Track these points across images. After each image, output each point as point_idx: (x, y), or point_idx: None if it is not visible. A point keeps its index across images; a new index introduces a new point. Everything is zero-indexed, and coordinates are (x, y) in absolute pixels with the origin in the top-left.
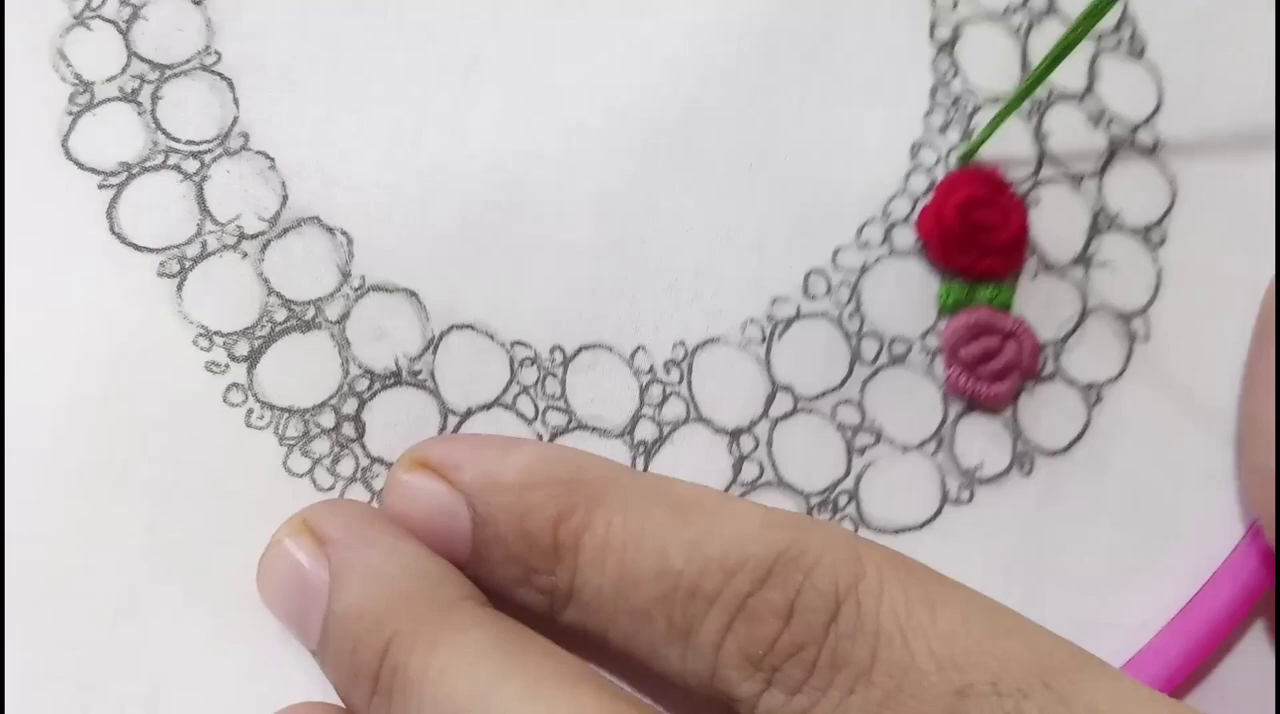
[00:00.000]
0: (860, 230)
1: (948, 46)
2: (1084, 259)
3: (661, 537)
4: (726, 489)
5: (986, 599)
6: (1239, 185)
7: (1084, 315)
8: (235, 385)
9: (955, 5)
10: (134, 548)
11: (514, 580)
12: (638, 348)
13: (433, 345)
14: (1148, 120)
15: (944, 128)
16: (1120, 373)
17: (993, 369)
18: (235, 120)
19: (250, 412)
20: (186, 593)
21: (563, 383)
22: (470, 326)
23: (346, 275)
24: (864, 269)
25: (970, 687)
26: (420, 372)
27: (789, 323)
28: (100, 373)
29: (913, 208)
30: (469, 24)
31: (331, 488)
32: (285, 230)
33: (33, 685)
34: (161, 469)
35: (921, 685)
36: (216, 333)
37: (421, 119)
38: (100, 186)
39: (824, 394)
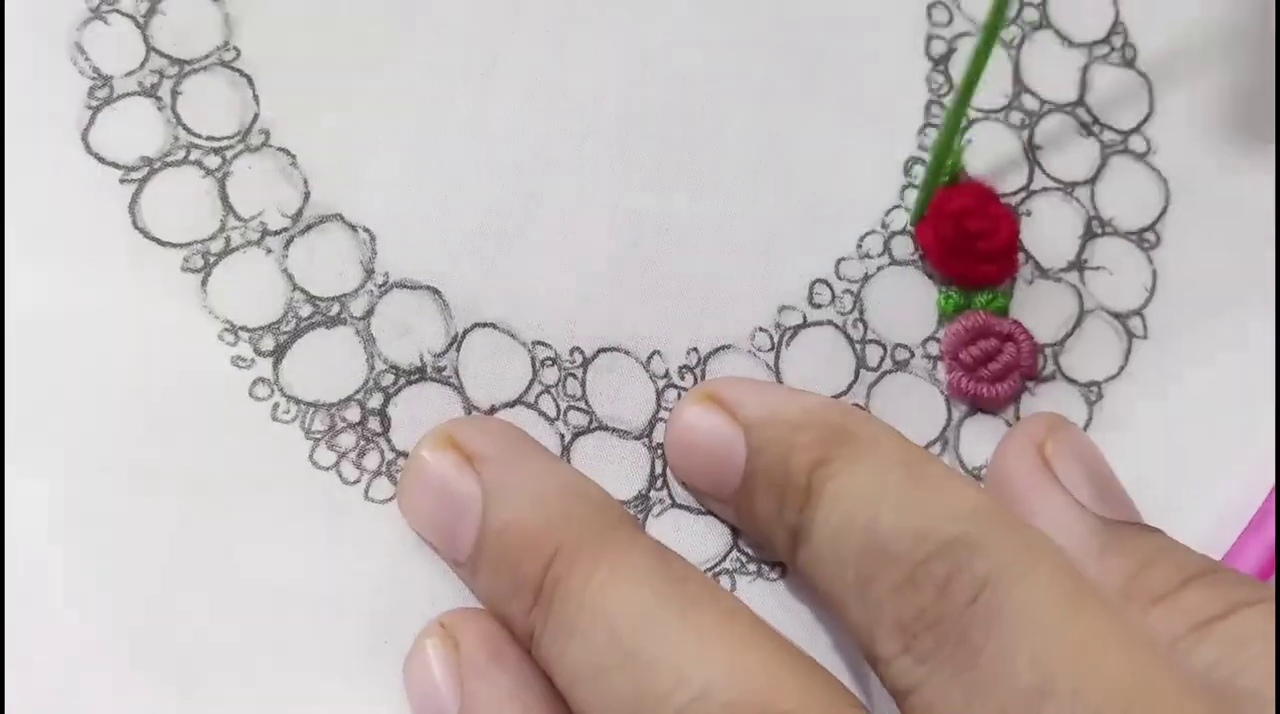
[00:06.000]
0: (860, 241)
1: (942, 62)
2: (1078, 264)
3: (884, 496)
4: None
5: (1142, 629)
6: (1233, 184)
7: (1081, 316)
8: (261, 380)
9: (950, 20)
10: (162, 543)
11: (769, 515)
12: (654, 352)
13: (456, 342)
14: (1139, 126)
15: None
16: (1120, 370)
17: (993, 371)
18: (256, 117)
19: (276, 406)
20: (215, 586)
21: (583, 384)
22: (492, 325)
23: (370, 272)
24: (865, 278)
25: (1052, 689)
26: (445, 368)
27: (796, 331)
28: (125, 368)
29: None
30: (487, 25)
31: (357, 481)
32: (308, 227)
33: (63, 683)
34: (188, 463)
35: (1011, 680)
36: (242, 328)
37: (440, 120)
38: (122, 181)
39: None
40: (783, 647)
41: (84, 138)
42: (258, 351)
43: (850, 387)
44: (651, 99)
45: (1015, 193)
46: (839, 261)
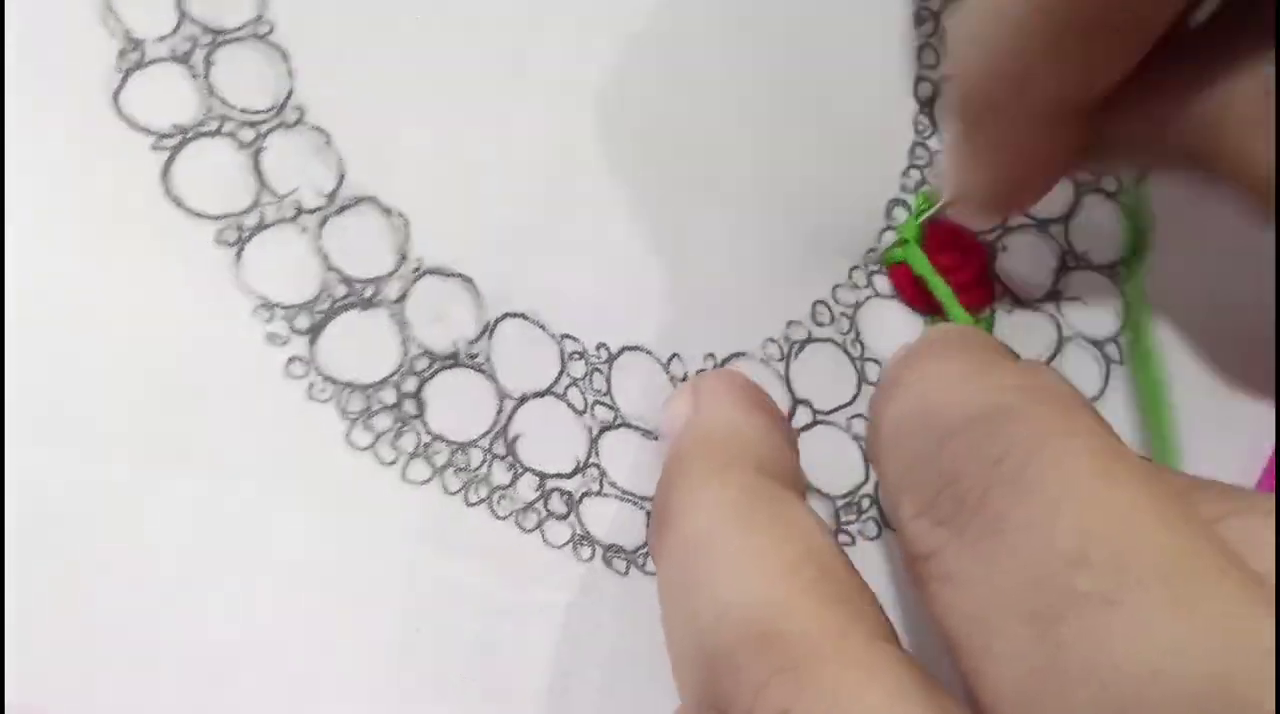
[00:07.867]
0: (850, 273)
1: (928, 104)
2: (1054, 294)
3: (946, 379)
4: None
5: (1182, 502)
6: (1200, 217)
7: (1061, 343)
8: (296, 358)
9: (937, 63)
10: (194, 521)
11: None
12: (673, 355)
13: (488, 331)
14: None
15: (918, 186)
16: (1101, 392)
17: None
18: (290, 93)
19: (312, 385)
20: (248, 567)
21: (608, 380)
22: (523, 316)
23: (404, 257)
24: (858, 305)
25: (1086, 558)
26: (477, 355)
27: (802, 344)
28: (157, 341)
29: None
30: (513, 23)
31: (394, 462)
32: (343, 208)
33: (94, 664)
34: (222, 441)
35: (1039, 549)
36: (277, 305)
37: (468, 114)
38: (154, 147)
39: (838, 409)
40: (829, 574)
41: (115, 100)
42: (293, 329)
43: (854, 398)
44: (669, 109)
45: (992, 231)
46: (835, 287)
